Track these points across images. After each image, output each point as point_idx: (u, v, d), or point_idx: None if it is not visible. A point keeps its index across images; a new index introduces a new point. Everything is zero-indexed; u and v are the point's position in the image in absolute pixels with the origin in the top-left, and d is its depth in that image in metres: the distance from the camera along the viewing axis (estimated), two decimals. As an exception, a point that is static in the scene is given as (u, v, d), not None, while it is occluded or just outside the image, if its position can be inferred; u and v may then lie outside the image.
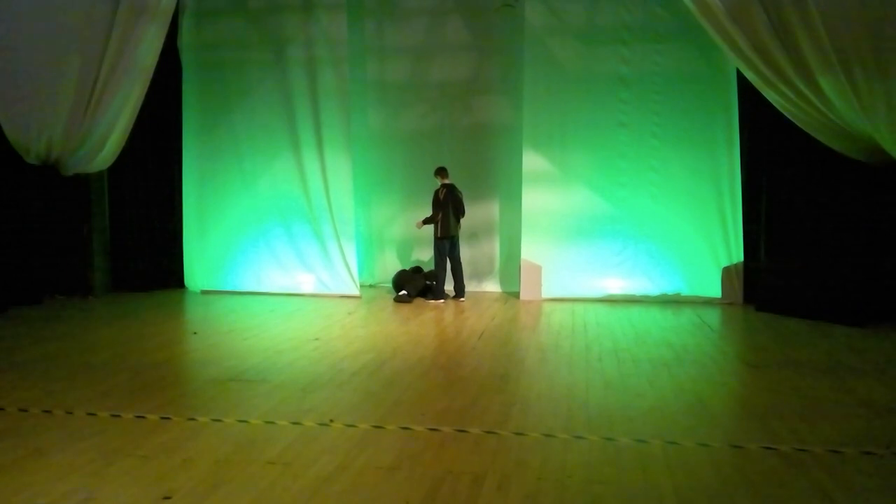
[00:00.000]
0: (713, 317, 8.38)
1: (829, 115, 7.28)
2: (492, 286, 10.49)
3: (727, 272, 9.24)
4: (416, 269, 10.11)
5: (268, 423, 4.41)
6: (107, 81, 8.71)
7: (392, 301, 9.42)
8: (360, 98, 10.33)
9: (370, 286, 10.71)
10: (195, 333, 7.48)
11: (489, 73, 10.27)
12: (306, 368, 5.86)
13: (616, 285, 9.50)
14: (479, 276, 10.45)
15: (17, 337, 7.27)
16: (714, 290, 9.27)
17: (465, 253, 9.99)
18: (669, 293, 9.37)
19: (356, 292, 9.84)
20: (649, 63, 9.23)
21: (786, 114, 7.80)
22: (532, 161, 9.50)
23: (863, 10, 6.38)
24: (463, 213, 9.61)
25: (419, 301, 9.53)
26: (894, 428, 4.35)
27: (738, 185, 9.14)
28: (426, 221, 9.60)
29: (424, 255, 10.39)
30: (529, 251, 9.62)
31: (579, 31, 9.43)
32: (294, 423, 4.38)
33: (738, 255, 9.19)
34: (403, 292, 9.55)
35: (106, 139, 9.25)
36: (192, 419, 4.46)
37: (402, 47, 10.37)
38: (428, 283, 9.74)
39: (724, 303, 9.16)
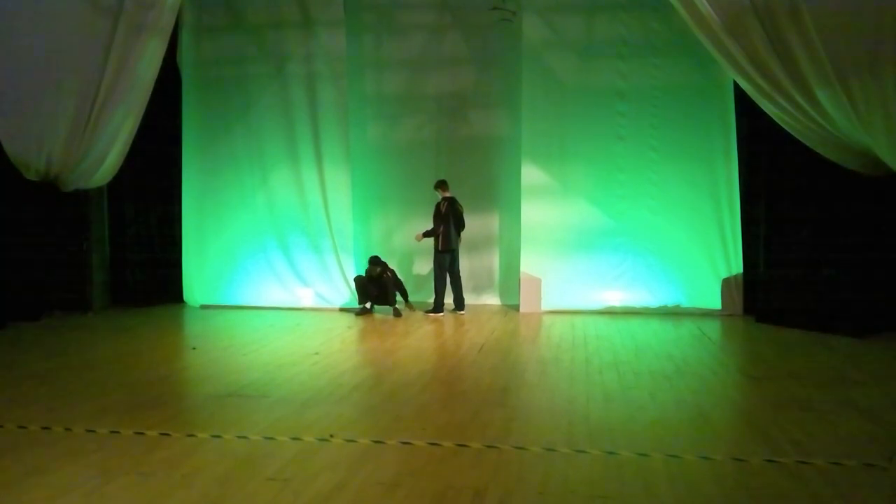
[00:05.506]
0: (713, 328, 8.37)
1: (826, 127, 7.30)
2: (491, 299, 10.48)
3: (727, 284, 9.24)
4: (375, 261, 9.58)
5: (268, 438, 4.39)
6: (107, 97, 8.73)
7: (392, 315, 9.36)
8: (358, 112, 10.37)
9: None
10: (194, 349, 7.47)
11: (487, 87, 10.31)
12: (306, 383, 5.84)
13: (616, 297, 9.50)
14: (479, 288, 10.43)
15: (15, 353, 7.25)
16: (714, 301, 9.27)
17: (465, 266, 9.99)
18: (669, 305, 9.37)
19: (355, 306, 9.82)
20: (646, 76, 9.29)
21: (783, 125, 7.84)
22: (531, 174, 9.54)
23: (859, 23, 6.42)
24: (463, 227, 9.61)
25: (419, 315, 9.51)
26: (896, 440, 4.34)
27: (737, 197, 9.16)
28: (427, 234, 9.60)
29: (423, 268, 10.39)
30: (529, 264, 9.62)
31: (577, 46, 9.48)
32: (294, 439, 4.36)
33: (737, 267, 9.20)
34: (364, 307, 9.48)
35: (106, 155, 9.27)
36: (192, 435, 4.44)
37: (401, 62, 10.42)
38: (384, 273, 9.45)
39: (723, 314, 9.16)
